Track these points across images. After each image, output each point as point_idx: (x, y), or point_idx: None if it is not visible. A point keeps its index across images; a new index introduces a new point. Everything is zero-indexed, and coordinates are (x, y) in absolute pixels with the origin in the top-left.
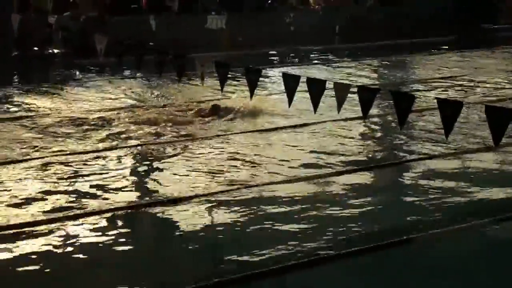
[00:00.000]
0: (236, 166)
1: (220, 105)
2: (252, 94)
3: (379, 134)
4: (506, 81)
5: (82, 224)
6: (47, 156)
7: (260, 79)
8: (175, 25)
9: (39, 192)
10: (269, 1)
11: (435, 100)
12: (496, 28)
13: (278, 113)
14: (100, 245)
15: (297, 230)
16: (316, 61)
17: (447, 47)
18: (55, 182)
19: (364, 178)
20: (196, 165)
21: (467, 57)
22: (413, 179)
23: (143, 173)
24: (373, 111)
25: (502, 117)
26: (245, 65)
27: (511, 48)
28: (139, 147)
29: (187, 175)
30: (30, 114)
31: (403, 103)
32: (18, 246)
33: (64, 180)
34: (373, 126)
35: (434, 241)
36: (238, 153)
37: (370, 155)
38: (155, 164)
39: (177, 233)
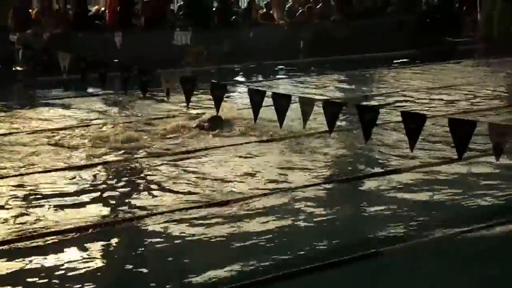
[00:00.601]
0: (201, 182)
1: (221, 117)
2: (218, 109)
3: (345, 148)
4: (468, 93)
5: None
6: (9, 176)
7: (226, 94)
8: (141, 41)
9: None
10: (234, 17)
11: (400, 113)
12: (459, 42)
13: (244, 128)
14: (63, 265)
15: (264, 245)
16: (282, 76)
17: (410, 60)
18: (17, 202)
19: (330, 192)
20: (164, 181)
21: (431, 70)
22: (380, 192)
23: (108, 191)
24: (339, 125)
25: (465, 130)
26: (211, 80)
27: (472, 61)
28: (104, 165)
29: (153, 192)
30: None
31: (368, 117)
32: None
33: (26, 200)
34: (339, 140)
35: (403, 254)
36: (204, 167)
37: (337, 169)
38: (120, 182)
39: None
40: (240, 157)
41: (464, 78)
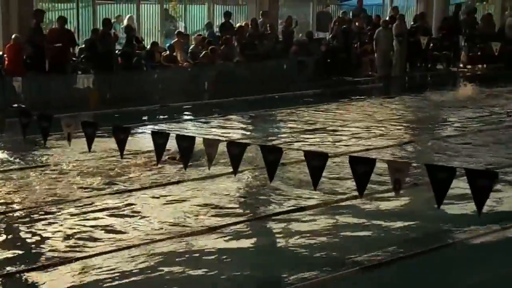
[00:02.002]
0: (99, 234)
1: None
2: (122, 153)
3: (249, 189)
4: (368, 131)
5: None
6: None
7: (130, 137)
8: (43, 85)
9: None
10: (136, 59)
11: (302, 152)
12: (358, 81)
13: (148, 171)
14: None
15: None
16: (185, 118)
17: (311, 100)
18: None
19: (235, 232)
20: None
21: (331, 109)
22: (283, 231)
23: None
24: (243, 165)
25: (365, 167)
26: (113, 124)
27: (371, 99)
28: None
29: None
30: None
31: (271, 157)
32: None
33: None
34: (243, 181)
35: None
36: (111, 210)
37: (241, 209)
38: (32, 229)
39: None
40: (144, 203)
41: (363, 116)
